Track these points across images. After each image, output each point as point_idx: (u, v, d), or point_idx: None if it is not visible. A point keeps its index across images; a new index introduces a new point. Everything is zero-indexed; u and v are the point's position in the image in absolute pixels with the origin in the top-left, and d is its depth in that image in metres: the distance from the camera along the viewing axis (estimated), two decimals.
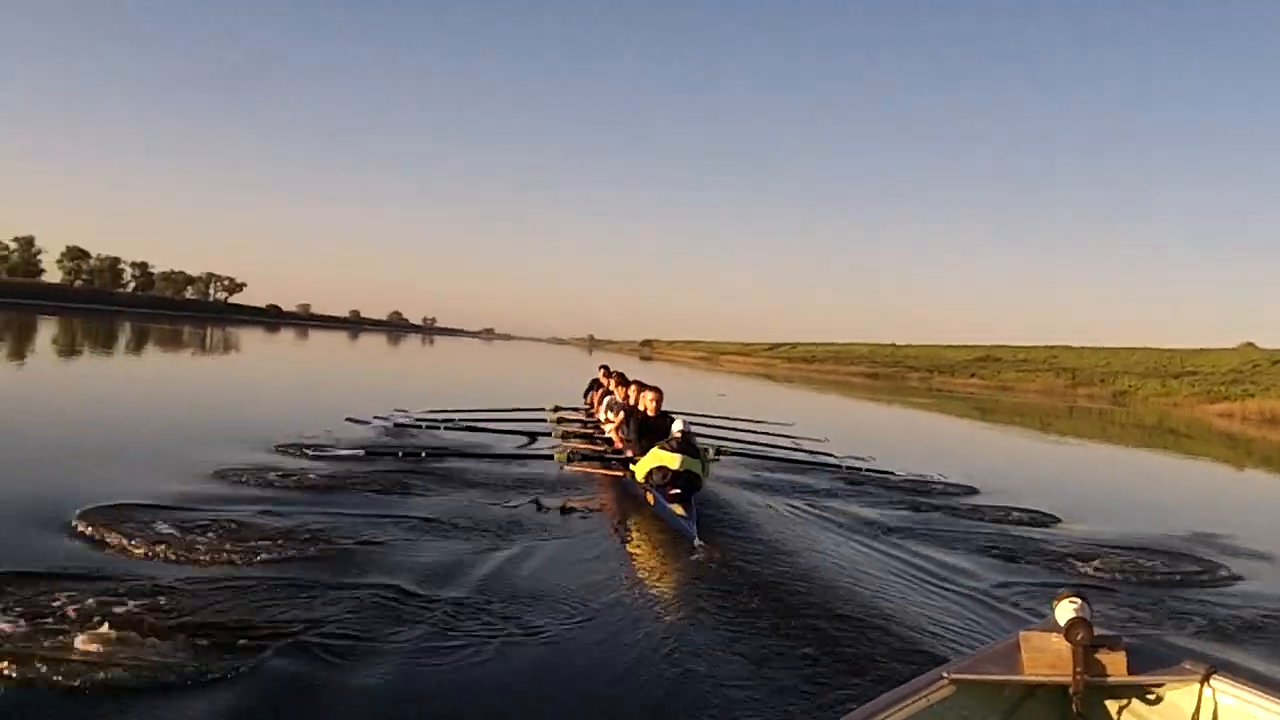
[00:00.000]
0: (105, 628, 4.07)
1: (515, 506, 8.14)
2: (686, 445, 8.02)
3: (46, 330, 43.47)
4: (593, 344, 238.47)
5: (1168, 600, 6.59)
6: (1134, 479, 19.66)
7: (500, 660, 4.37)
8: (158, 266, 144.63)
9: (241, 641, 4.18)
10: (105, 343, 38.54)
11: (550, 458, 9.87)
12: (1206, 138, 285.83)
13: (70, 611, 4.30)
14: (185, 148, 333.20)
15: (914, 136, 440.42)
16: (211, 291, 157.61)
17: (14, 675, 3.65)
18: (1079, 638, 2.68)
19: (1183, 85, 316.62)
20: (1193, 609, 6.38)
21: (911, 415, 35.92)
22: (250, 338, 61.57)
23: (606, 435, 11.58)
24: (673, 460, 7.80)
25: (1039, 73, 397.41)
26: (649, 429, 9.20)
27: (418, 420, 13.22)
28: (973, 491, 11.46)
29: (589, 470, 9.95)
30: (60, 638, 3.99)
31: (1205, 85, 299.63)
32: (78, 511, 6.25)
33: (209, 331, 66.73)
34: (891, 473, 12.15)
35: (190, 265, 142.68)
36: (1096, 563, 7.64)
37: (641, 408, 9.88)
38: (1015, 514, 9.93)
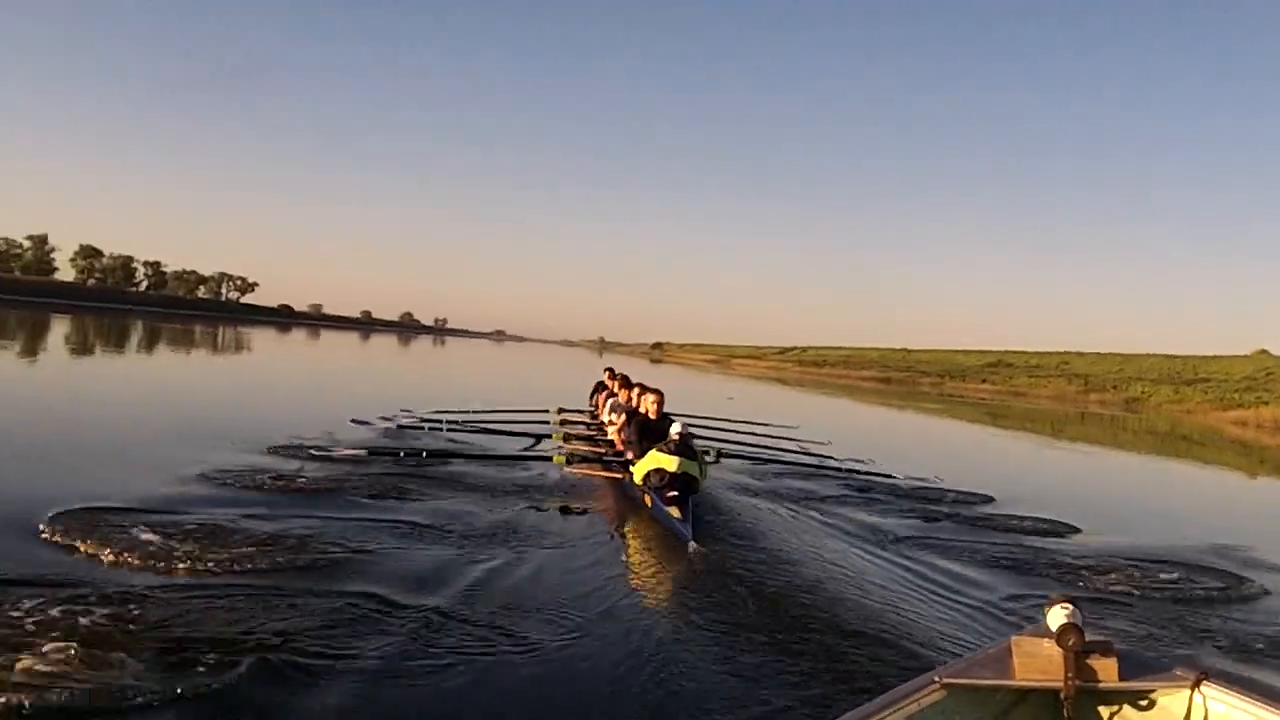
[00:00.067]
0: (68, 642, 3.85)
1: (511, 510, 7.98)
2: (684, 448, 8.00)
3: (57, 328, 43.48)
4: (603, 346, 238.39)
5: (1188, 616, 6.33)
6: (1149, 487, 19.38)
7: (479, 675, 4.16)
8: (170, 266, 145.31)
9: (212, 657, 3.94)
10: (114, 341, 38.46)
11: (550, 459, 9.81)
12: (1221, 143, 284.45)
13: (30, 624, 4.07)
14: (185, 147, 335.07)
15: (924, 140, 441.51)
16: (224, 291, 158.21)
17: None
18: (1070, 643, 2.68)
19: (1196, 89, 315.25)
20: (1215, 625, 6.14)
21: (922, 421, 35.63)
22: (261, 338, 61.48)
23: (609, 437, 11.46)
24: (670, 463, 7.80)
25: (1047, 74, 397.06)
26: (650, 431, 9.07)
27: (421, 421, 13.13)
28: (988, 500, 11.17)
29: (588, 472, 9.89)
30: (18, 653, 3.74)
31: (1219, 89, 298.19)
32: (48, 515, 5.99)
33: (220, 331, 66.73)
34: (896, 477, 11.97)
35: (190, 264, 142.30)
36: (1115, 575, 7.38)
37: (643, 410, 9.78)
38: (1030, 523, 9.67)
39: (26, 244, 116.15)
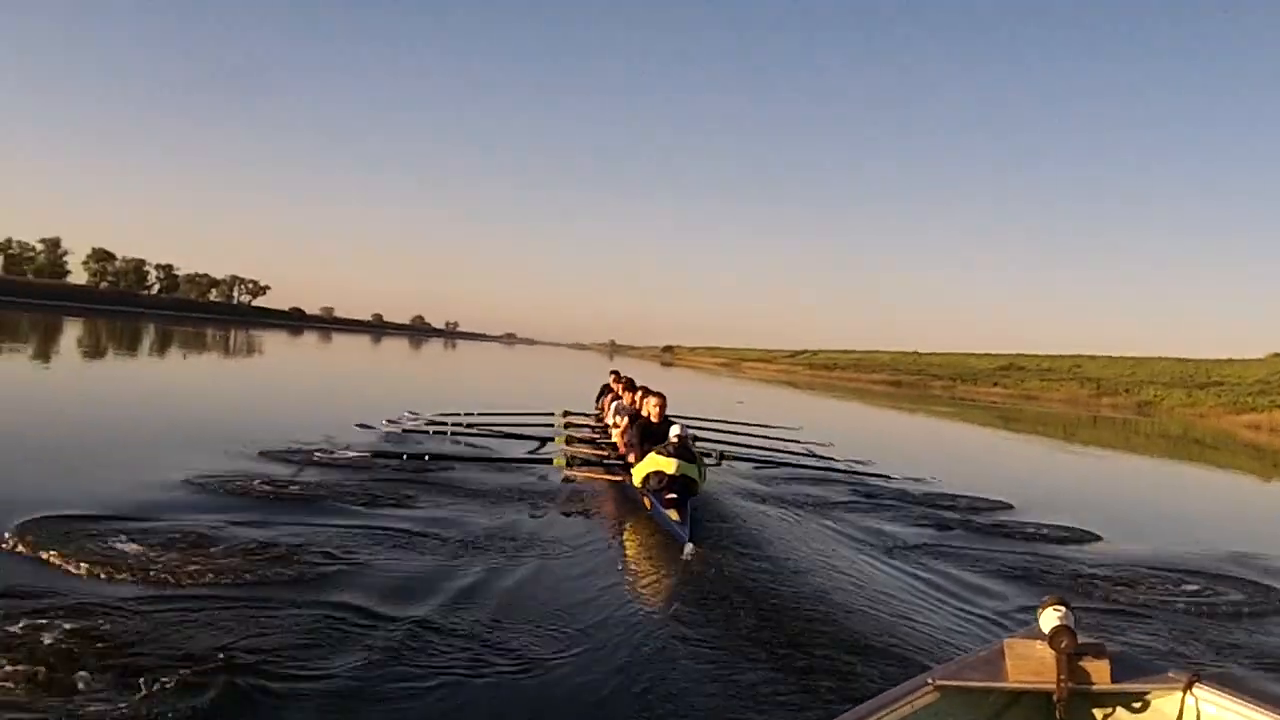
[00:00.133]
0: (29, 665, 3.65)
1: (509, 515, 7.87)
2: (683, 450, 7.99)
3: (69, 331, 43.56)
4: (614, 349, 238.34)
5: (1211, 629, 6.09)
6: (1167, 492, 19.09)
7: (459, 693, 3.95)
8: (181, 269, 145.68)
9: (180, 678, 3.70)
10: (125, 345, 38.47)
11: (551, 463, 9.80)
12: (1232, 144, 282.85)
13: None
14: (185, 147, 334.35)
15: (934, 141, 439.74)
16: (236, 294, 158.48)
17: None
18: (1063, 645, 2.68)
19: (1207, 90, 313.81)
20: (1240, 639, 5.90)
21: (934, 424, 35.39)
22: (272, 341, 61.53)
23: (613, 440, 11.41)
24: (669, 465, 7.81)
25: (1053, 76, 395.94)
26: (652, 434, 9.08)
27: (426, 424, 13.13)
28: (1006, 507, 10.89)
29: (590, 475, 9.86)
30: None
31: (1231, 90, 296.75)
32: (14, 524, 5.72)
33: (232, 334, 66.83)
34: (898, 478, 11.94)
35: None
36: (1137, 587, 7.11)
37: (645, 413, 9.77)
38: (1048, 530, 9.42)
39: (39, 247, 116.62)
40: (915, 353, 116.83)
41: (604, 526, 7.91)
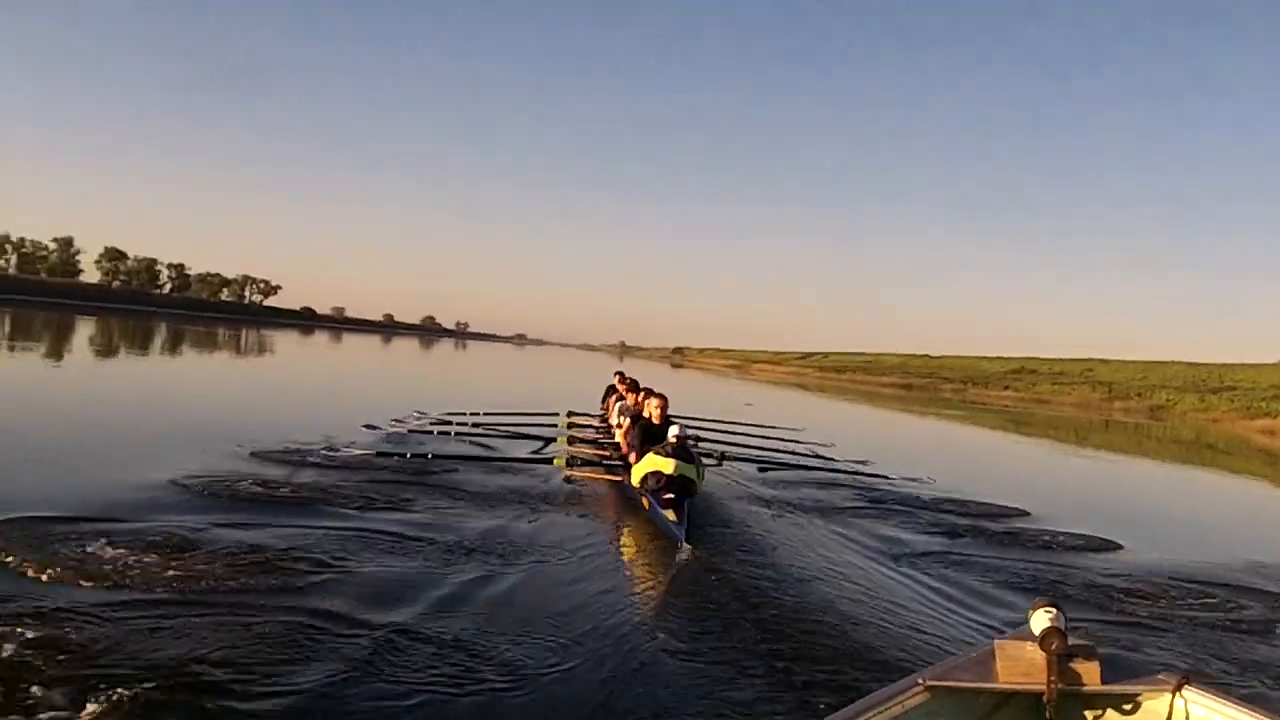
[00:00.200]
0: None
1: (505, 516, 7.77)
2: (681, 450, 8.01)
3: (79, 330, 43.65)
4: (624, 351, 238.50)
5: (1234, 644, 5.84)
6: (1182, 498, 18.83)
7: (435, 705, 3.77)
8: (193, 268, 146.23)
9: (146, 686, 3.53)
10: (133, 343, 38.53)
11: (552, 462, 9.82)
12: (1245, 146, 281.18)
13: None
14: (185, 147, 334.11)
15: (941, 143, 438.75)
16: (247, 294, 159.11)
17: None
18: (1053, 647, 2.69)
19: (1222, 92, 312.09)
20: (1263, 654, 5.67)
21: (944, 427, 35.07)
22: (283, 340, 61.64)
23: (617, 440, 11.36)
24: (667, 465, 7.82)
25: (1060, 80, 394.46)
26: (653, 435, 9.03)
27: (431, 424, 13.15)
28: (1022, 514, 10.61)
29: (590, 475, 9.87)
30: None
31: (1231, 92, 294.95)
32: None
33: (243, 334, 67.01)
34: (894, 478, 11.93)
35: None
36: (1160, 600, 6.83)
37: (647, 414, 9.78)
38: (1065, 538, 9.16)
39: (52, 246, 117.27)
40: (926, 355, 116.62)
41: (601, 527, 7.87)
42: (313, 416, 14.42)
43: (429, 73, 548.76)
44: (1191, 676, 2.78)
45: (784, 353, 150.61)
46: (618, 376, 15.28)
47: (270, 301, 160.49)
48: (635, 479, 8.25)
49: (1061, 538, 9.17)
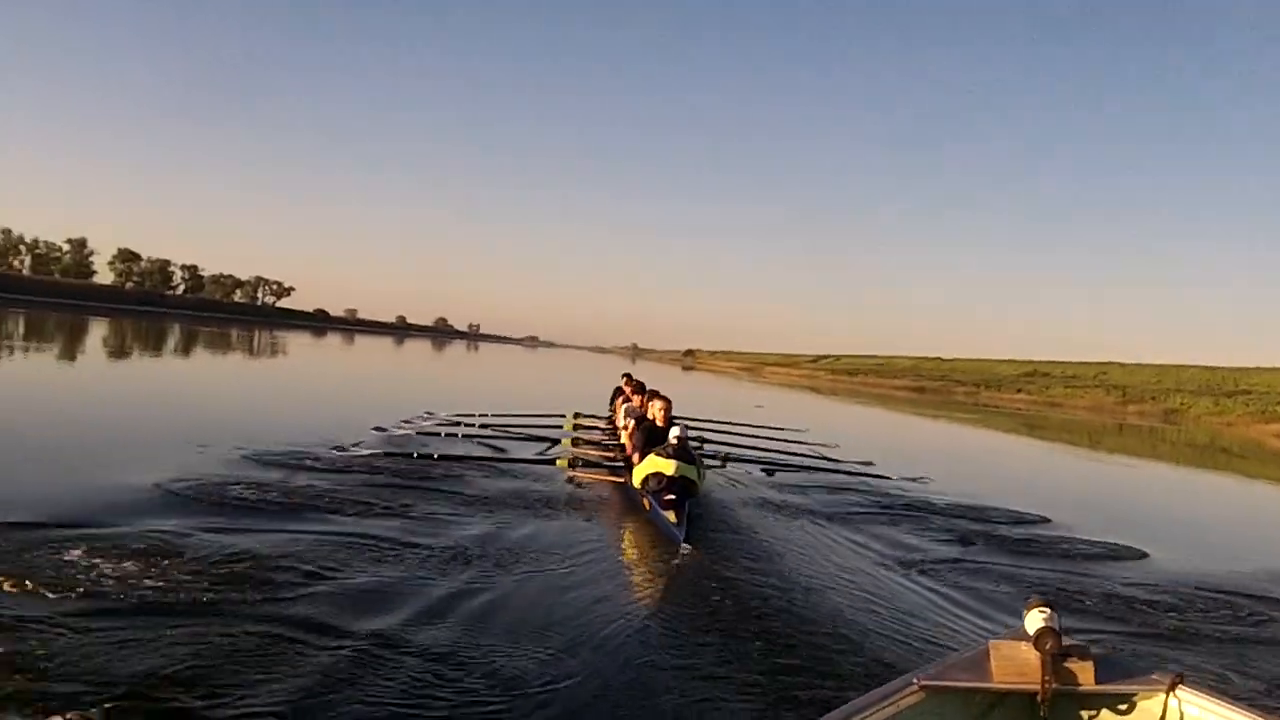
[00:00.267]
0: None
1: (505, 517, 7.76)
2: (682, 451, 8.07)
3: (92, 331, 43.80)
4: (635, 353, 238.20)
5: (1262, 659, 5.61)
6: (1204, 504, 18.60)
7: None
8: (207, 270, 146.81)
9: (107, 708, 3.39)
10: (145, 344, 38.58)
11: (555, 463, 9.87)
12: (1262, 151, 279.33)
13: None
14: (185, 147, 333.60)
15: (949, 144, 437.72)
16: (260, 295, 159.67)
17: None
18: (1047, 646, 2.71)
19: (1232, 93, 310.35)
20: None
21: (956, 430, 34.81)
22: (295, 342, 61.73)
23: (622, 442, 11.44)
24: (667, 466, 7.89)
25: (1076, 77, 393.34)
26: (657, 436, 9.04)
27: (438, 426, 13.25)
28: (1043, 520, 10.35)
29: (592, 476, 9.92)
30: None
31: (1258, 97, 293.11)
32: None
33: (255, 335, 67.19)
34: (895, 478, 11.92)
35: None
36: (1188, 612, 6.56)
37: (651, 416, 9.78)
38: (1085, 545, 8.93)
39: (65, 247, 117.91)
40: (939, 358, 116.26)
41: (601, 528, 7.83)
42: (321, 419, 14.40)
43: (429, 73, 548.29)
44: (1185, 676, 2.79)
45: (796, 355, 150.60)
46: (625, 378, 15.38)
47: (283, 303, 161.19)
48: (637, 480, 8.28)
49: (1083, 545, 8.95)
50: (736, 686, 4.16)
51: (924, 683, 2.66)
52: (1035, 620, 2.77)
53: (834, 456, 13.78)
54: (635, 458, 9.05)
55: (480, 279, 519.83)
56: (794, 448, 14.44)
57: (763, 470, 11.49)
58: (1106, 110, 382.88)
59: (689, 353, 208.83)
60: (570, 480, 9.72)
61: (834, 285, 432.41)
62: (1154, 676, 2.83)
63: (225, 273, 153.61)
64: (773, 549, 7.26)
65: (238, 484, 7.87)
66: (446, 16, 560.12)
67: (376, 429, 12.40)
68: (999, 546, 8.62)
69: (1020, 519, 10.33)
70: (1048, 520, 10.34)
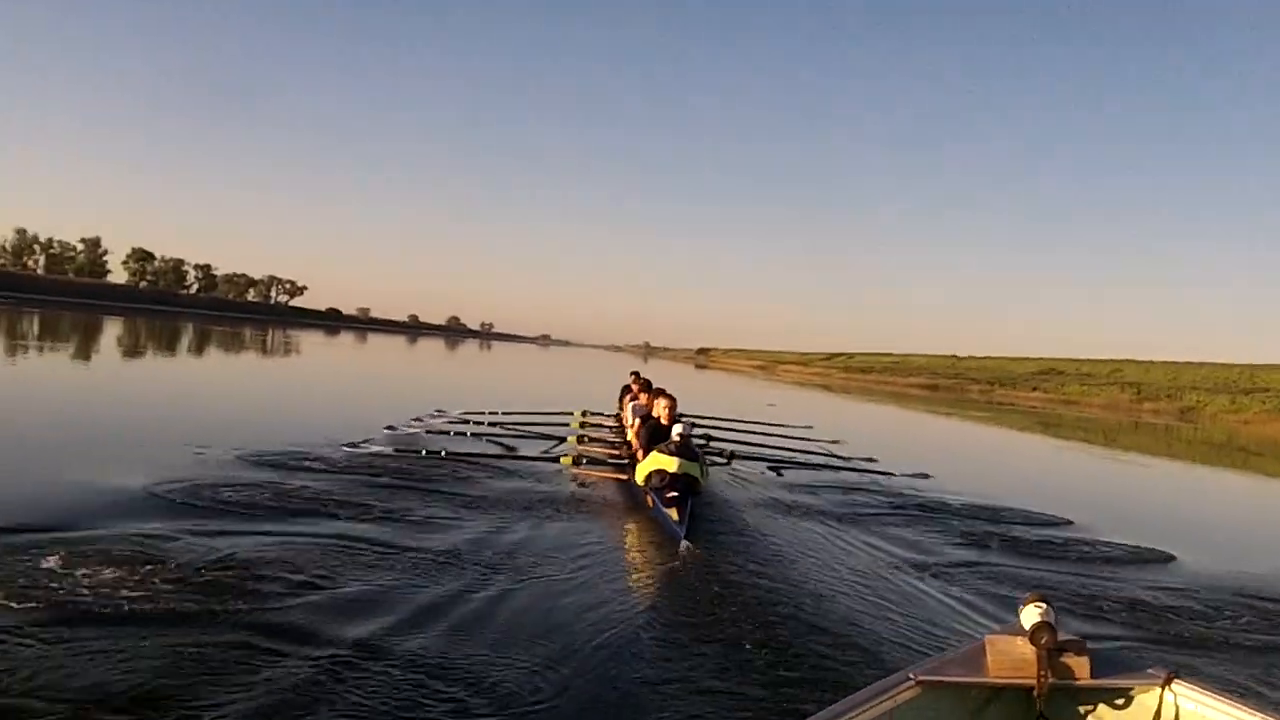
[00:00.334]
0: None
1: (508, 515, 7.71)
2: (685, 449, 8.08)
3: (106, 330, 43.95)
4: (649, 351, 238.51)
5: None
6: (1228, 504, 18.24)
7: None
8: (220, 269, 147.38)
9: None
10: (158, 343, 38.65)
11: (559, 461, 9.93)
12: (1265, 152, 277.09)
13: None
14: (184, 147, 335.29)
15: (959, 145, 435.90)
16: (273, 294, 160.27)
17: None
18: (1043, 641, 2.71)
19: (1240, 92, 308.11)
20: None
21: (970, 428, 34.56)
22: (308, 340, 61.91)
23: (628, 439, 11.40)
24: (670, 463, 7.89)
25: (1076, 77, 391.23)
26: (661, 434, 8.97)
27: (448, 424, 13.36)
28: (1065, 522, 10.02)
29: (597, 474, 9.94)
30: None
31: (1262, 92, 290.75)
32: None
33: (268, 334, 67.38)
34: (898, 475, 11.90)
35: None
36: (1216, 619, 6.29)
37: (656, 414, 9.76)
38: (1108, 548, 8.64)
39: (80, 246, 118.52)
40: (953, 356, 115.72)
41: (603, 526, 7.78)
42: (333, 417, 14.41)
43: (429, 73, 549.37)
44: (1181, 671, 2.80)
45: (810, 353, 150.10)
46: (633, 376, 15.40)
47: (296, 302, 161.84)
48: (640, 477, 8.29)
49: (1105, 548, 8.66)
50: (735, 703, 3.97)
51: (920, 677, 2.65)
52: (1031, 615, 2.77)
53: (841, 454, 13.70)
54: (640, 455, 9.00)
55: (481, 279, 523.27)
56: (800, 445, 14.35)
57: (769, 468, 11.38)
58: (1106, 110, 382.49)
59: (702, 351, 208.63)
60: (575, 478, 9.71)
61: (834, 285, 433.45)
62: (1150, 671, 2.84)
63: (238, 272, 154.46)
64: (777, 549, 7.13)
65: (233, 485, 7.67)
66: (446, 16, 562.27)
67: (388, 428, 12.39)
68: (1019, 549, 8.33)
69: (1041, 520, 10.01)
70: (1070, 522, 10.01)
